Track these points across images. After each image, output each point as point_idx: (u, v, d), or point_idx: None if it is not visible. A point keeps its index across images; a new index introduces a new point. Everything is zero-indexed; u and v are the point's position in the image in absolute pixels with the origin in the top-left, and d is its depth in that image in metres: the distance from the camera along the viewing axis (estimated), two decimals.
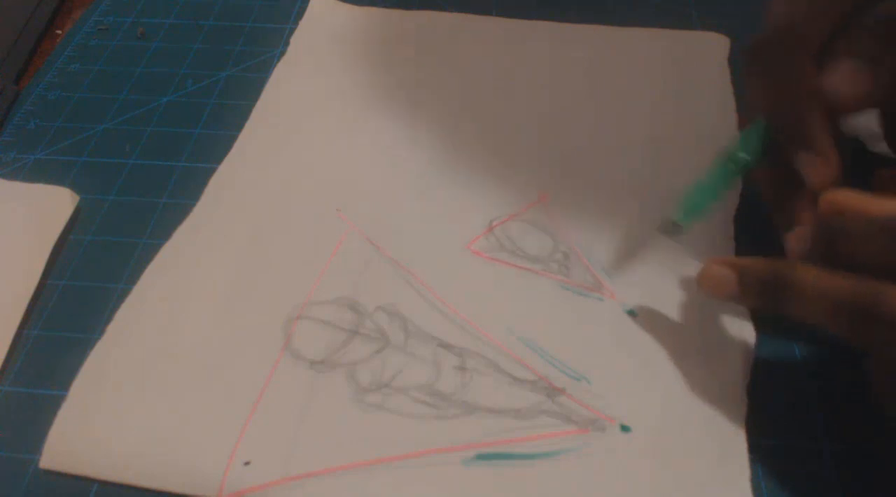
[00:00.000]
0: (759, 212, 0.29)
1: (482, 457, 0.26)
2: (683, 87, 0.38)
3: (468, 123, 0.37)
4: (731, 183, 0.29)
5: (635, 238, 0.32)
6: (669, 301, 0.30)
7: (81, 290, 0.31)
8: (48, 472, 0.26)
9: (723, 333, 0.29)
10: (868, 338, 0.23)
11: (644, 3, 0.44)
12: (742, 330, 0.29)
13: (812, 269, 0.24)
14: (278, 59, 0.41)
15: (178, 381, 0.28)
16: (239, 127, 0.37)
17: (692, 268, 0.31)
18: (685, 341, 0.28)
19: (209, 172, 0.35)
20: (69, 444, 0.26)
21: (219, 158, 0.36)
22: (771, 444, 0.26)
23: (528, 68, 0.40)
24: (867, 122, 0.35)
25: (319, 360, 0.28)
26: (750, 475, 0.25)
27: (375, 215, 0.33)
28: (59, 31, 0.45)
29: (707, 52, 0.40)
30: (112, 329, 0.29)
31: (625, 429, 0.26)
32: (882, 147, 0.34)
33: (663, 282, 0.30)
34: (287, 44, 0.42)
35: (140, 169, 0.36)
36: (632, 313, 0.29)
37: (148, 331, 0.29)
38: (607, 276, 0.31)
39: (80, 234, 0.33)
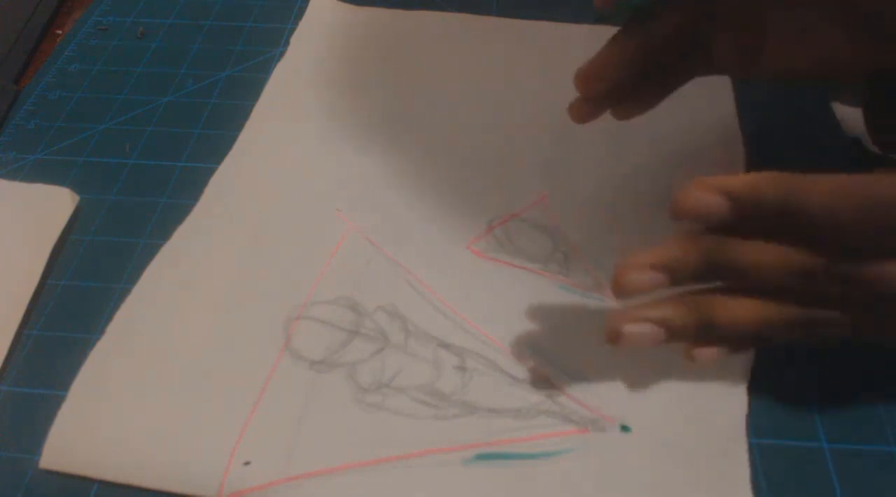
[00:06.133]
0: None
1: (482, 457, 0.26)
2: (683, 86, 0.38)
3: (468, 123, 0.37)
4: None
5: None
6: None
7: (81, 290, 0.31)
8: (48, 472, 0.26)
9: None
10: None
11: None
12: None
13: (749, 241, 0.22)
14: (278, 59, 0.41)
15: (178, 381, 0.28)
16: (239, 127, 0.37)
17: None
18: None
19: (209, 172, 0.35)
20: (69, 444, 0.26)
21: (219, 158, 0.36)
22: (771, 444, 0.26)
23: (529, 68, 0.40)
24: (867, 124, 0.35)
25: (319, 360, 0.28)
26: (750, 475, 0.25)
27: (375, 215, 0.33)
28: (59, 32, 0.45)
29: None
30: (112, 329, 0.29)
31: (625, 429, 0.26)
32: None
33: None
34: (287, 44, 0.42)
35: (140, 169, 0.36)
36: None
37: (148, 331, 0.29)
38: (607, 276, 0.31)
39: (80, 234, 0.33)
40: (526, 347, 0.28)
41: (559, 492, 0.25)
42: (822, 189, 0.21)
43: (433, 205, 0.34)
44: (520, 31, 0.42)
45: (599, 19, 0.29)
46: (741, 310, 0.23)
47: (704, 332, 0.24)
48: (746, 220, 0.22)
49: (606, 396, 0.27)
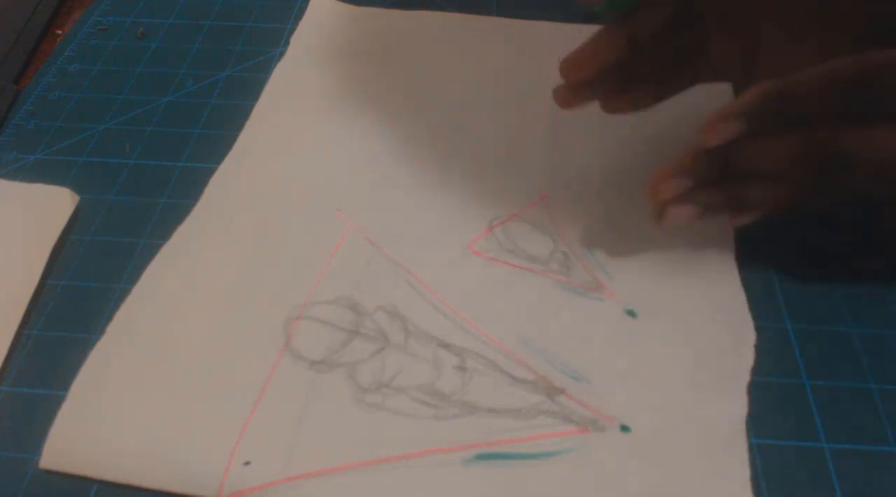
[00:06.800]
0: None
1: (482, 457, 0.26)
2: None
3: (468, 123, 0.37)
4: None
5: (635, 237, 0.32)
6: (669, 301, 0.30)
7: (81, 290, 0.31)
8: (48, 472, 0.26)
9: (723, 334, 0.29)
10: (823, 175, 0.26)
11: None
12: (742, 330, 0.29)
13: (753, 139, 0.26)
14: (278, 59, 0.41)
15: (179, 381, 0.28)
16: (239, 127, 0.37)
17: (693, 267, 0.31)
18: (685, 341, 0.28)
19: (209, 172, 0.35)
20: (69, 444, 0.26)
21: (219, 158, 0.36)
22: (771, 444, 0.26)
23: (529, 68, 0.40)
24: None
25: (319, 360, 0.28)
26: (750, 475, 0.25)
27: (375, 215, 0.33)
28: (59, 32, 0.45)
29: None
30: (112, 329, 0.29)
31: (625, 429, 0.26)
32: None
33: (663, 282, 0.30)
34: (287, 44, 0.42)
35: (140, 169, 0.36)
36: (632, 313, 0.29)
37: (148, 331, 0.29)
38: (607, 276, 0.31)
39: (80, 234, 0.33)
40: (526, 347, 0.28)
41: (559, 492, 0.25)
42: (809, 80, 0.25)
43: (433, 205, 0.34)
44: (520, 31, 0.42)
45: (588, 18, 0.30)
46: (761, 190, 0.28)
47: (733, 207, 0.29)
48: (756, 124, 0.26)
49: (606, 396, 0.27)
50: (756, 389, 0.27)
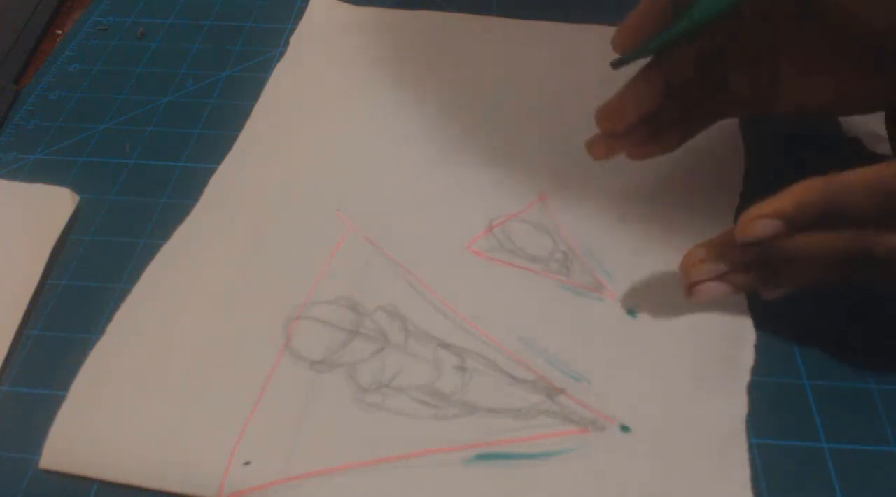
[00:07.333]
0: None
1: (482, 457, 0.26)
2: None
3: (468, 123, 0.37)
4: (683, 33, 0.28)
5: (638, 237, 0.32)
6: (669, 301, 0.30)
7: (81, 290, 0.31)
8: (48, 472, 0.26)
9: (723, 333, 0.29)
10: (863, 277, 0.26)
11: None
12: (742, 330, 0.29)
13: (800, 235, 0.25)
14: (278, 59, 0.41)
15: (178, 381, 0.28)
16: (239, 127, 0.37)
17: None
18: (685, 341, 0.28)
19: (209, 172, 0.35)
20: (69, 444, 0.26)
21: (219, 158, 0.36)
22: (771, 444, 0.26)
23: (529, 68, 0.40)
24: (868, 124, 0.35)
25: (319, 360, 0.28)
26: (750, 475, 0.25)
27: (375, 215, 0.33)
28: (59, 32, 0.45)
29: None
30: (112, 329, 0.29)
31: (625, 429, 0.26)
32: (883, 148, 0.34)
33: (663, 282, 0.30)
34: (287, 44, 0.42)
35: (140, 169, 0.36)
36: (632, 313, 0.29)
37: (148, 331, 0.29)
38: (607, 276, 0.31)
39: (80, 234, 0.33)
40: (526, 347, 0.28)
41: (559, 492, 0.25)
42: (858, 187, 0.24)
43: (433, 205, 0.34)
44: (519, 30, 0.42)
45: (618, 62, 0.30)
46: (795, 276, 0.27)
47: (765, 286, 0.28)
48: (796, 224, 0.25)
49: (606, 396, 0.27)
50: (756, 389, 0.27)
